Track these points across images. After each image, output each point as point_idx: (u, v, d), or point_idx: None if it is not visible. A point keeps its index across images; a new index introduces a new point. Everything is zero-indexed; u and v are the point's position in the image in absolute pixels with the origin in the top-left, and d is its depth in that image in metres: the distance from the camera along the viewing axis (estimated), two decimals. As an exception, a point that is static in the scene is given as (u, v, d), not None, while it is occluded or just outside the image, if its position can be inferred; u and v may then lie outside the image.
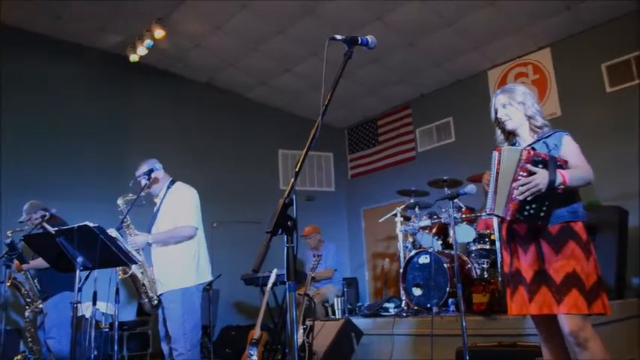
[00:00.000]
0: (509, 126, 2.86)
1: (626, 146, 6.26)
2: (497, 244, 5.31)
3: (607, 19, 6.67)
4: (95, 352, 4.91)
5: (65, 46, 7.59)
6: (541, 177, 2.53)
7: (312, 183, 9.80)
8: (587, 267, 2.57)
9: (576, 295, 2.51)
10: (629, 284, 5.36)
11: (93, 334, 4.58)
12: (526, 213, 2.59)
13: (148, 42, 7.19)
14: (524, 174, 2.57)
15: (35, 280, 5.23)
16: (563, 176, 2.53)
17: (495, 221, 5.32)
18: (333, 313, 6.40)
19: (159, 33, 7.04)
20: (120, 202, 4.12)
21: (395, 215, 6.36)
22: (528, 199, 2.56)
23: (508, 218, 2.65)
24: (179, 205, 4.08)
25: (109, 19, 7.17)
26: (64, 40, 7.56)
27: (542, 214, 2.58)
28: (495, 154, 2.73)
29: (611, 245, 5.08)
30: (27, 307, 5.31)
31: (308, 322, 4.93)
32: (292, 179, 1.78)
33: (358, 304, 7.16)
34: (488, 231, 5.72)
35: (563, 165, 2.58)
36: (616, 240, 5.14)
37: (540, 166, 2.56)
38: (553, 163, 2.55)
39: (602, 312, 2.56)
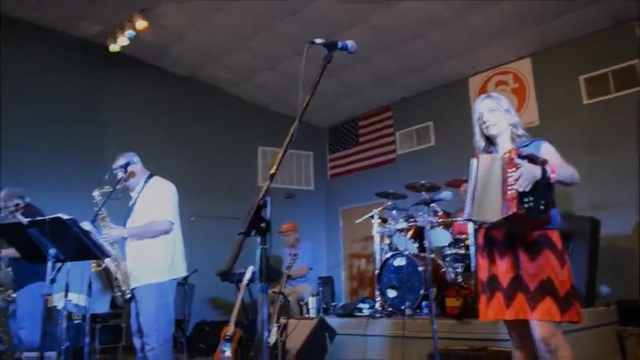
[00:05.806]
0: (493, 131, 2.88)
1: (601, 158, 6.38)
2: (472, 249, 5.37)
3: (586, 32, 6.79)
4: (67, 344, 4.85)
5: (44, 32, 7.49)
6: (531, 166, 2.54)
7: (291, 181, 9.80)
8: (562, 275, 2.62)
9: (550, 303, 2.56)
10: (598, 293, 5.46)
11: (65, 325, 4.52)
12: (526, 205, 2.52)
13: (129, 32, 7.13)
14: (514, 169, 2.56)
15: (10, 269, 5.14)
16: (551, 168, 2.57)
17: (470, 227, 5.37)
18: (308, 312, 6.40)
19: (141, 24, 6.98)
20: (96, 194, 4.03)
21: (372, 217, 6.38)
22: (527, 189, 2.51)
23: (513, 211, 2.53)
24: (156, 199, 4.03)
25: (92, 7, 7.07)
26: (44, 26, 7.45)
27: (541, 206, 2.54)
28: (474, 161, 2.74)
29: (582, 254, 5.16)
30: (-1, 296, 5.23)
31: (282, 321, 4.93)
32: (268, 181, 1.77)
33: (333, 304, 7.16)
34: (463, 236, 5.77)
35: (545, 162, 2.60)
36: (587, 249, 5.23)
37: (526, 160, 2.57)
38: (537, 158, 2.59)
39: (574, 319, 2.61)
